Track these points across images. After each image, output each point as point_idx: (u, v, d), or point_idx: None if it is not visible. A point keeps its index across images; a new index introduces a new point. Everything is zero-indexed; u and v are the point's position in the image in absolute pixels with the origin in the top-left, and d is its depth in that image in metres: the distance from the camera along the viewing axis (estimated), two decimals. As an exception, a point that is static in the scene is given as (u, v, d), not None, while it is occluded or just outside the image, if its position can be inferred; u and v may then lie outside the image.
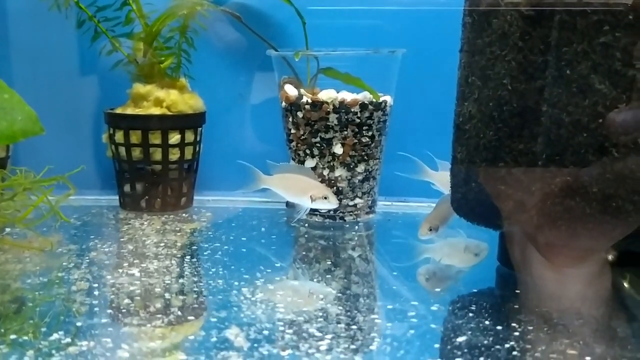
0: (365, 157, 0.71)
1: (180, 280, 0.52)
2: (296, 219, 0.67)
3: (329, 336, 0.42)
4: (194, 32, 0.73)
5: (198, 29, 0.73)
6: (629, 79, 0.44)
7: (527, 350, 0.41)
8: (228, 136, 0.82)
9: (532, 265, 0.49)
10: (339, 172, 0.71)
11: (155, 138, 0.72)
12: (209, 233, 0.68)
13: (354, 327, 0.44)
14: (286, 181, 0.66)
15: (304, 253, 0.63)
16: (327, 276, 0.55)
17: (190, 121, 0.73)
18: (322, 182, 0.71)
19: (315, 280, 0.54)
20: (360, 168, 0.71)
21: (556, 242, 0.47)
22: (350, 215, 0.73)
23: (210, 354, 0.40)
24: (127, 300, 0.48)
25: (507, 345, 0.41)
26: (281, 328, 0.44)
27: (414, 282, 0.56)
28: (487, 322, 0.45)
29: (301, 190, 0.65)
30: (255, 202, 0.80)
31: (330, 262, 0.58)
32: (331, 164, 0.71)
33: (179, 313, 0.46)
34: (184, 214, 0.74)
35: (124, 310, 0.46)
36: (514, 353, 0.40)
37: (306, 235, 0.69)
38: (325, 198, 0.64)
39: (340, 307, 0.48)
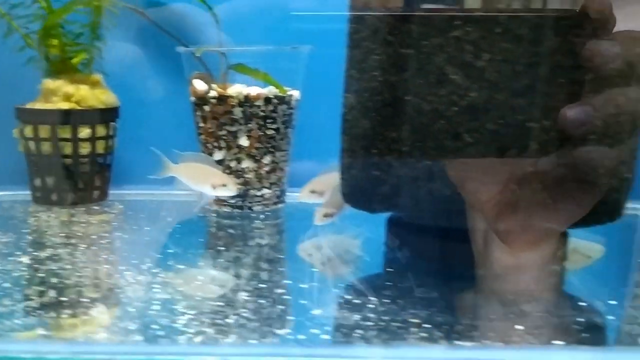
0: (272, 149, 0.74)
1: (67, 266, 0.54)
2: (198, 207, 0.69)
3: (192, 312, 0.45)
4: (105, 28, 0.75)
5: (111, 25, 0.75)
6: (478, 70, 0.48)
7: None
8: (147, 131, 0.83)
9: (492, 252, 0.52)
10: (246, 163, 0.73)
11: (65, 132, 0.73)
12: (114, 224, 0.69)
13: (226, 305, 0.47)
14: (190, 170, 0.68)
15: (201, 240, 0.65)
16: (224, 262, 0.57)
17: (101, 116, 0.75)
18: (230, 173, 0.73)
19: (213, 265, 0.56)
20: (267, 159, 0.74)
21: (514, 228, 0.50)
22: (259, 205, 0.75)
23: (72, 329, 0.42)
24: (6, 285, 0.49)
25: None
26: (153, 307, 0.46)
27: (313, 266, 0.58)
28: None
29: (203, 178, 0.67)
30: (172, 196, 0.82)
31: (235, 250, 0.61)
32: (238, 156, 0.73)
33: (54, 294, 0.48)
34: (95, 207, 0.75)
35: (0, 293, 0.48)
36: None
37: (214, 225, 0.71)
38: (225, 185, 0.66)
39: (225, 289, 0.50)
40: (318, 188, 0.63)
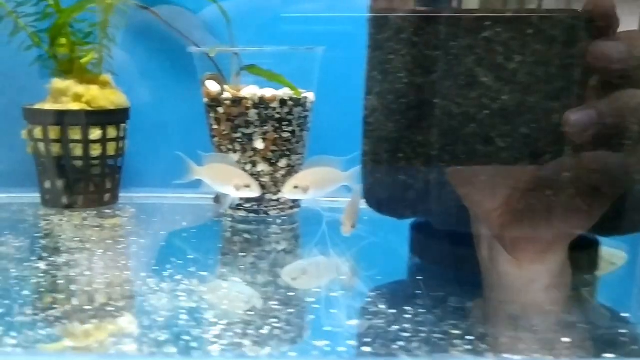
0: (287, 152, 0.73)
1: (86, 273, 0.53)
2: (223, 208, 0.68)
3: (224, 321, 0.43)
4: (115, 27, 0.73)
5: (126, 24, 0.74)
6: (510, 72, 0.47)
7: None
8: (157, 132, 0.82)
9: (498, 263, 0.50)
10: (261, 167, 0.72)
11: (75, 134, 0.71)
12: (128, 228, 0.68)
13: (260, 315, 0.45)
14: (213, 171, 0.66)
15: (221, 245, 0.64)
16: (241, 266, 0.56)
17: (112, 117, 0.73)
18: (244, 176, 0.72)
19: (232, 271, 0.55)
20: (283, 163, 0.73)
21: (520, 239, 0.48)
22: (275, 209, 0.74)
23: (100, 340, 0.40)
24: (25, 292, 0.48)
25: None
26: (182, 316, 0.44)
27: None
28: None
29: (225, 179, 0.65)
30: (184, 199, 0.80)
31: (252, 255, 0.59)
32: (253, 159, 0.72)
33: (77, 303, 0.46)
34: (107, 211, 0.74)
35: (20, 302, 0.46)
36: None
37: (229, 229, 0.70)
38: (248, 186, 0.65)
39: (256, 297, 0.49)
40: (301, 184, 0.62)
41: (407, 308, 0.46)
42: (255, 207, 0.73)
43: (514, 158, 0.48)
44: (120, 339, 0.40)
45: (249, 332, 0.42)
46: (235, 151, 0.72)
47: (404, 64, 0.52)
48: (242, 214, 0.73)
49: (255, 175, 0.72)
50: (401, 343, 0.40)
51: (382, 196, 0.57)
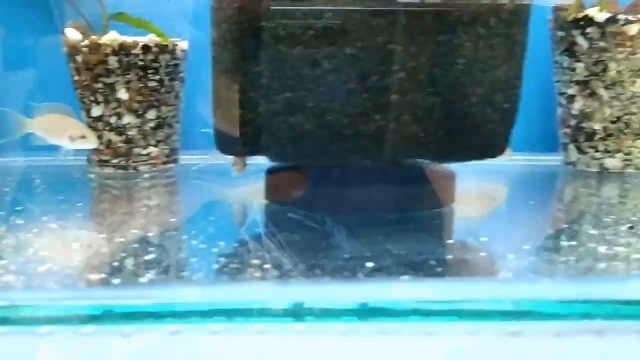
0: (156, 103, 0.68)
1: None
2: (55, 159, 0.63)
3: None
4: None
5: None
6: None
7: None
8: (14, 89, 0.77)
9: None
10: (127, 119, 0.67)
11: None
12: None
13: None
14: (47, 122, 0.61)
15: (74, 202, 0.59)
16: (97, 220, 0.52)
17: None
18: (110, 130, 0.67)
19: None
20: (151, 114, 0.68)
21: None
22: (145, 164, 0.69)
23: None
24: None
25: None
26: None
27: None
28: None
29: (59, 130, 0.61)
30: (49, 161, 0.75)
31: (120, 212, 0.55)
32: (117, 110, 0.67)
33: None
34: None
35: None
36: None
37: (92, 186, 0.65)
38: (83, 137, 0.60)
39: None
40: None
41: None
42: (124, 163, 0.68)
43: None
44: None
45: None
46: (98, 103, 0.67)
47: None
48: (109, 170, 0.68)
49: (122, 129, 0.67)
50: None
51: (225, 137, 0.53)
